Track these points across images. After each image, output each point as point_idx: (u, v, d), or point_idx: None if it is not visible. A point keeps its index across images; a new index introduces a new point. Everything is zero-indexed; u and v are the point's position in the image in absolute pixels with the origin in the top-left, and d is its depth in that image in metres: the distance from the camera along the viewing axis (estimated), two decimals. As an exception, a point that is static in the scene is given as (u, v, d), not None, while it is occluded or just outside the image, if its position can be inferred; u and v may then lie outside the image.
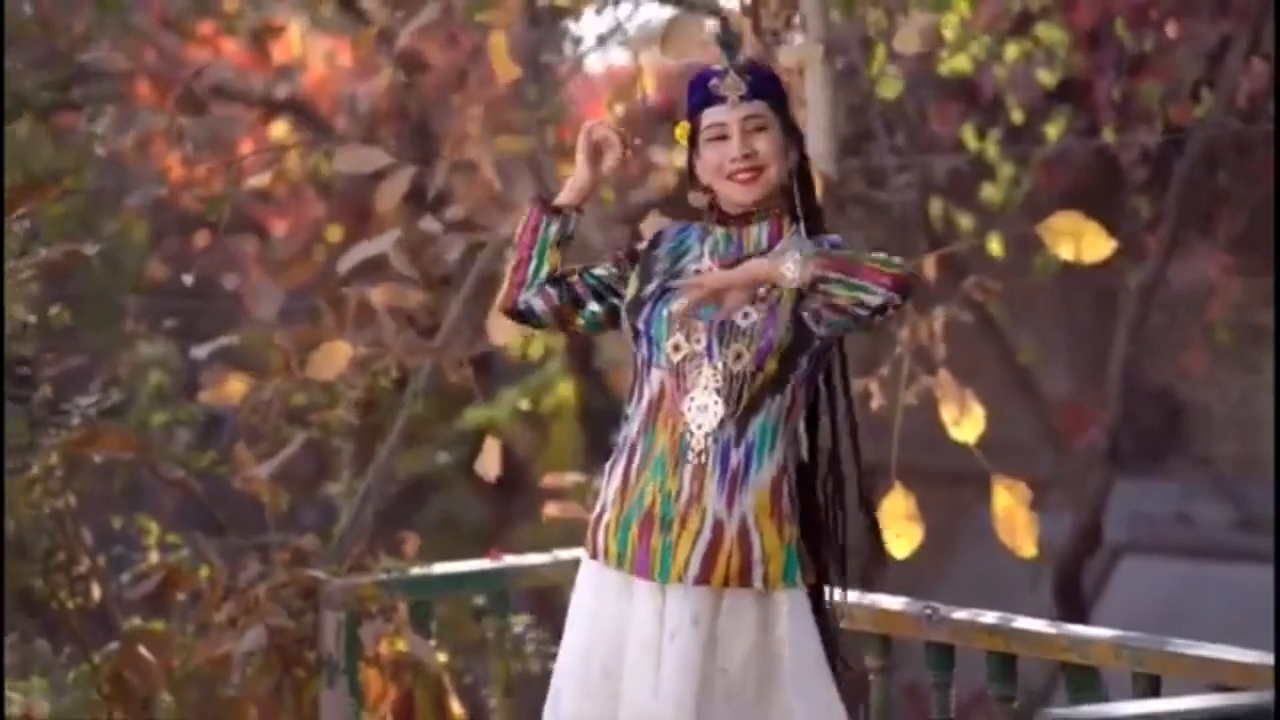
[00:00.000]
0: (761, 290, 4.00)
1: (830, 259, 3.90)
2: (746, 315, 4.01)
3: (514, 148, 6.89)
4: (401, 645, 6.09)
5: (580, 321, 4.22)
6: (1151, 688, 4.61)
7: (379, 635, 6.04)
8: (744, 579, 3.97)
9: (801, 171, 4.11)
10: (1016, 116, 8.91)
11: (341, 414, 6.36)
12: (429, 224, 6.35)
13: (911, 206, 8.71)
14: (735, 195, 4.05)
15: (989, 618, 4.94)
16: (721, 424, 3.98)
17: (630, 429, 4.11)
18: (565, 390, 11.65)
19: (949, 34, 8.13)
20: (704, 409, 3.98)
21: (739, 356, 3.99)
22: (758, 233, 4.07)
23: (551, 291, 4.18)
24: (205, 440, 8.86)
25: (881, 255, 3.94)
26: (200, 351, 6.73)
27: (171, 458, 6.76)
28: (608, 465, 4.15)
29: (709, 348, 3.98)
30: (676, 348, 4.02)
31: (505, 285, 4.21)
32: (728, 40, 4.17)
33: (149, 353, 9.34)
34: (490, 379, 9.23)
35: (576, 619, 4.14)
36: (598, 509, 4.12)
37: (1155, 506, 11.29)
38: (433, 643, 6.16)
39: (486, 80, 7.83)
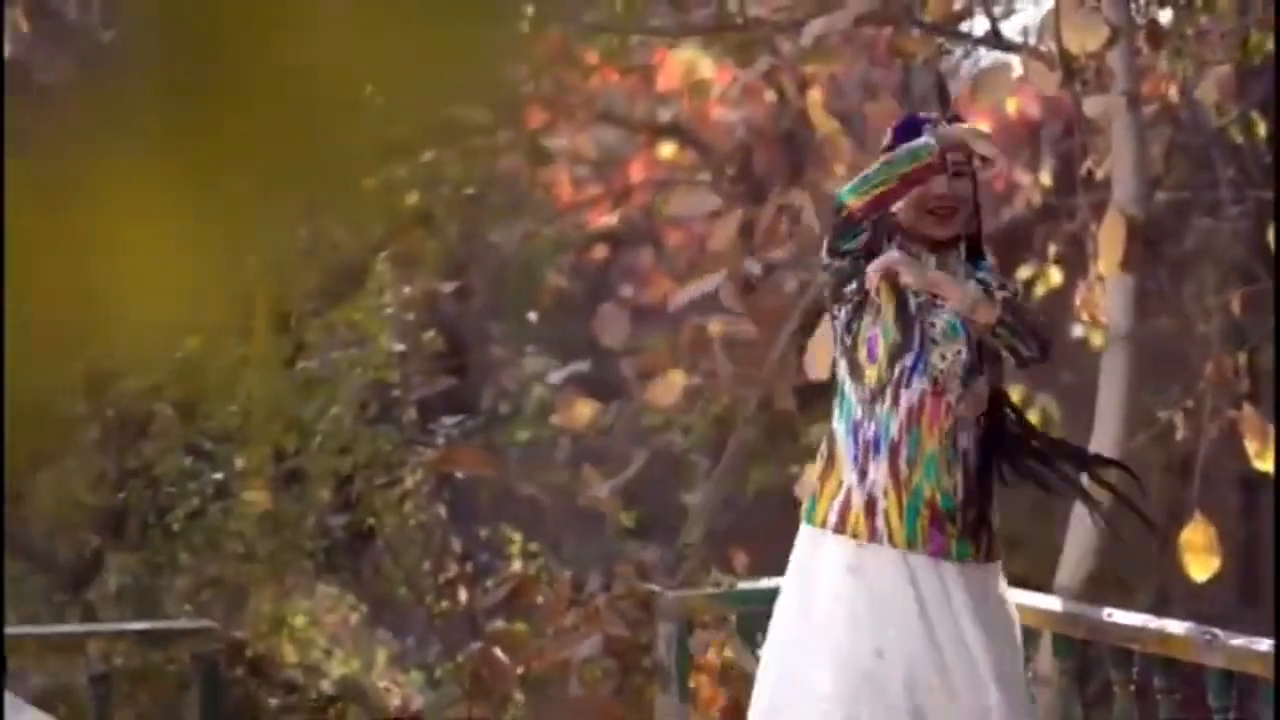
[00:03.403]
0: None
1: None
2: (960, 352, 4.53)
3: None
4: (730, 654, 6.47)
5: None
6: None
7: (709, 644, 6.43)
8: (993, 555, 4.58)
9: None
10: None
11: (677, 438, 6.77)
12: (750, 265, 6.73)
13: (1245, 235, 8.74)
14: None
15: (1263, 645, 5.02)
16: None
17: (879, 428, 4.52)
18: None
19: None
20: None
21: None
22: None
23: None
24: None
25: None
26: (555, 377, 7.22)
27: (525, 475, 7.25)
28: (852, 457, 4.53)
29: (969, 367, 4.50)
30: (943, 357, 4.49)
31: (867, 195, 4.36)
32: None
33: (533, 367, 9.84)
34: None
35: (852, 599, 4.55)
36: (862, 497, 4.52)
37: None
38: (760, 652, 6.52)
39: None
